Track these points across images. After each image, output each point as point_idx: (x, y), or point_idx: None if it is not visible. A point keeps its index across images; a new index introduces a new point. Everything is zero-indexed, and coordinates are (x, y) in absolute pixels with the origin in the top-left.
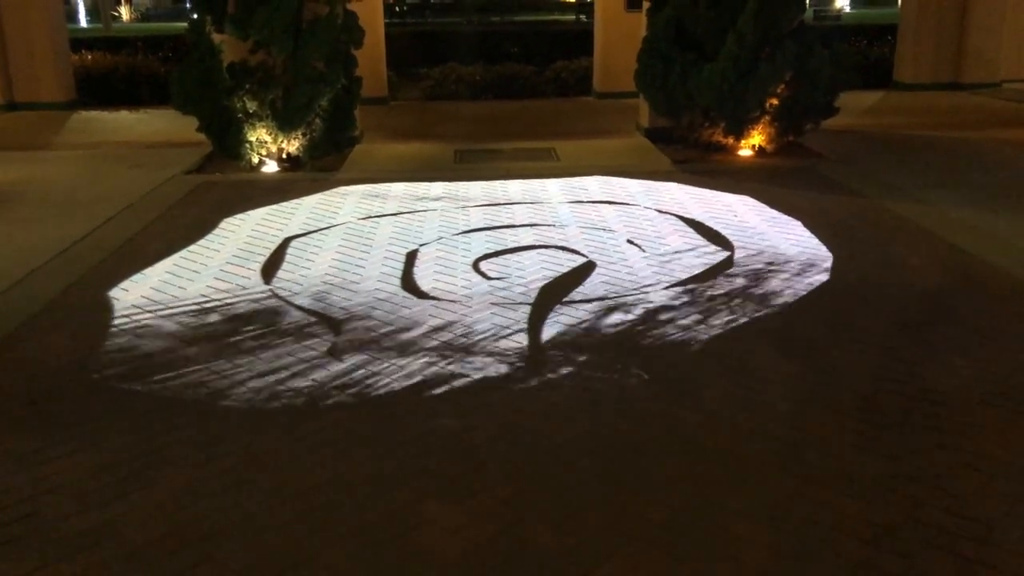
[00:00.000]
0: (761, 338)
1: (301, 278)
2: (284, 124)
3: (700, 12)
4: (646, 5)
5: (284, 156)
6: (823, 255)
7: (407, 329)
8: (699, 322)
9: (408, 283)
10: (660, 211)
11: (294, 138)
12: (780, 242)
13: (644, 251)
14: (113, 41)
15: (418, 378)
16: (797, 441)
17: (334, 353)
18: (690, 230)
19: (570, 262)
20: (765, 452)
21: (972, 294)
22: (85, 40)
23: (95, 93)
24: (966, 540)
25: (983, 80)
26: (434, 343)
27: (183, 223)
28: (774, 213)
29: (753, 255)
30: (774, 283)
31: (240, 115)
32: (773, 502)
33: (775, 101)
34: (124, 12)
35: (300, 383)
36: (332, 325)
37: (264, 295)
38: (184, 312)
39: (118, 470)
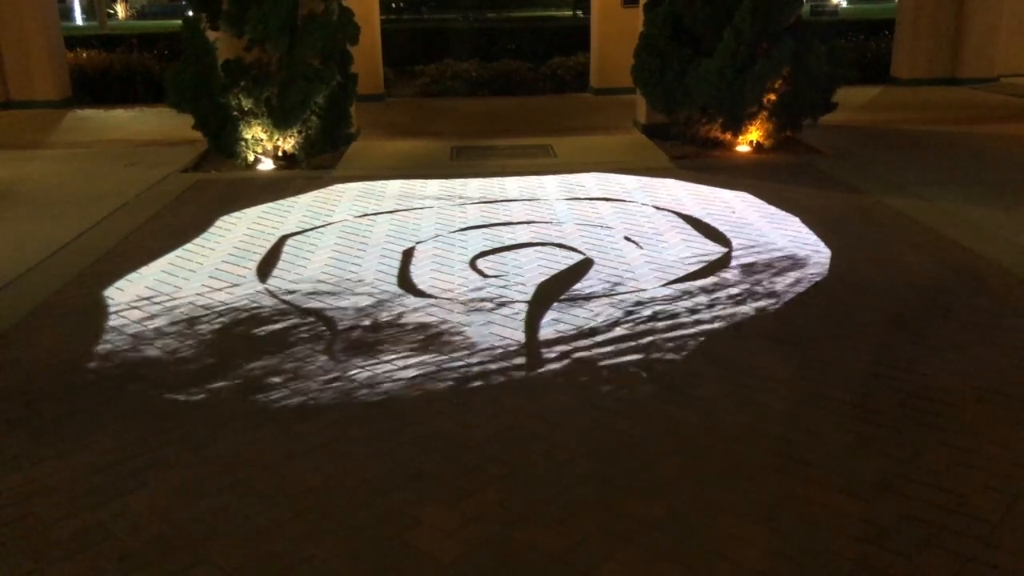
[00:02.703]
0: (759, 335)
1: (297, 276)
2: (279, 122)
3: (697, 8)
4: (643, 1)
5: (280, 154)
6: (821, 251)
7: (403, 327)
8: (697, 319)
9: (404, 281)
10: (658, 208)
11: (290, 135)
12: (778, 238)
13: (642, 248)
14: (108, 39)
15: (414, 377)
16: (795, 440)
17: (330, 352)
18: (688, 227)
19: (567, 259)
20: (762, 451)
21: (970, 290)
22: (80, 38)
23: (90, 91)
24: (965, 538)
25: (980, 75)
26: (430, 342)
27: (178, 221)
28: (772, 209)
29: (751, 251)
30: (771, 280)
31: (235, 113)
32: (771, 501)
33: (772, 97)
34: (120, 9)
35: (295, 383)
36: (328, 324)
37: (259, 294)
38: (179, 311)
39: (112, 471)
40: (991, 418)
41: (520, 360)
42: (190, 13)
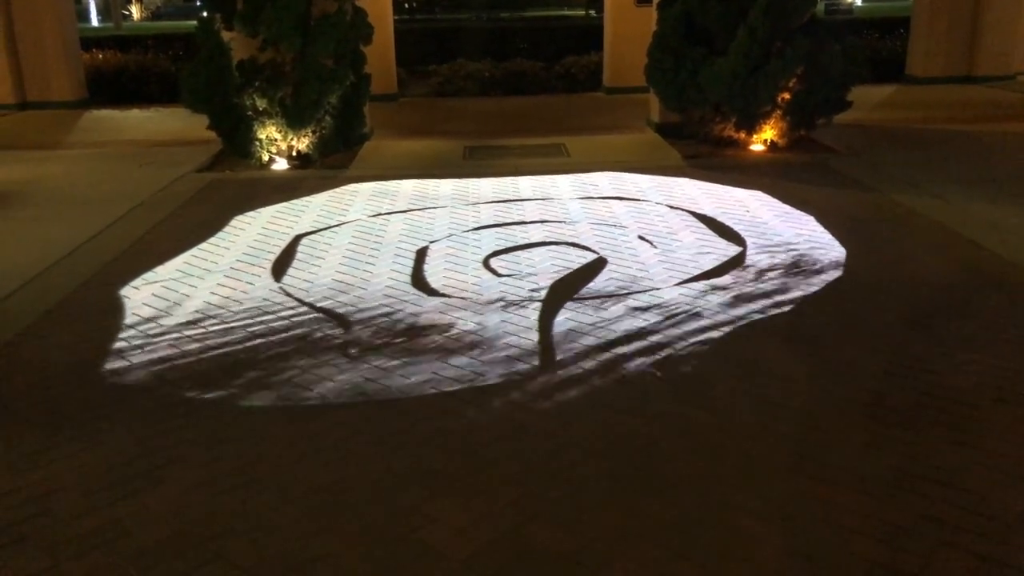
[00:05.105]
0: (773, 335)
1: (311, 276)
2: (294, 121)
3: (710, 6)
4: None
5: (294, 153)
6: (836, 250)
7: (416, 327)
8: (710, 319)
9: (418, 280)
10: (671, 207)
11: (304, 135)
12: (792, 237)
13: (655, 247)
14: (124, 40)
15: (426, 376)
16: (809, 439)
17: (342, 350)
18: (702, 226)
19: (580, 259)
20: (777, 451)
21: (986, 290)
22: (96, 39)
23: (106, 92)
24: (982, 538)
25: (997, 73)
26: (443, 341)
27: (193, 221)
28: (786, 208)
29: (765, 251)
30: (786, 279)
31: (250, 113)
32: (785, 501)
33: (786, 96)
34: (135, 10)
35: (308, 381)
36: (341, 323)
37: (274, 293)
38: (194, 311)
39: (126, 469)
40: (1007, 418)
41: (533, 359)
42: (205, 14)
